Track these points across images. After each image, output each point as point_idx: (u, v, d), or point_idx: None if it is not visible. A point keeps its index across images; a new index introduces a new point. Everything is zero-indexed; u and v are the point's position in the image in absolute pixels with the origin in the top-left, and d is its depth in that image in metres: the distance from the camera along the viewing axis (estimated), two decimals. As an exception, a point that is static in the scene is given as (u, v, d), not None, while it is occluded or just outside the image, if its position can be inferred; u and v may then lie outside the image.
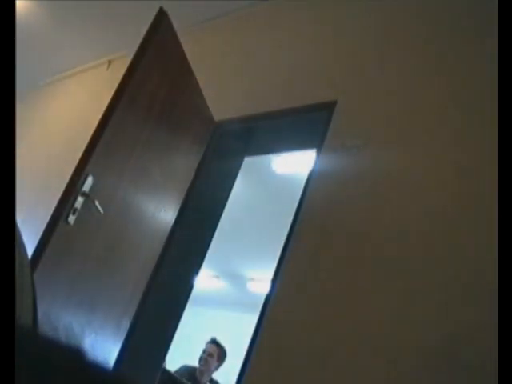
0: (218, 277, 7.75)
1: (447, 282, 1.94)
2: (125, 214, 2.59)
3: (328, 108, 2.70)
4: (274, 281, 2.39)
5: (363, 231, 2.26)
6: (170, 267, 2.99)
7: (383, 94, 2.57)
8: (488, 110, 2.10)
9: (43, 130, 5.06)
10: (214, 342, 4.37)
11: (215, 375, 4.42)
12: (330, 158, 2.55)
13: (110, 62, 4.76)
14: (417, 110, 2.41)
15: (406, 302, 1.99)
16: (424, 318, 1.92)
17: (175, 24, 2.71)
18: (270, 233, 4.50)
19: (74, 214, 2.21)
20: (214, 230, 3.36)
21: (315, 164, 2.61)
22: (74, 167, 2.28)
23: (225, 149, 3.32)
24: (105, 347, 2.62)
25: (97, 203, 2.30)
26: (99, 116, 2.38)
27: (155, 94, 2.67)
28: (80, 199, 2.23)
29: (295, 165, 4.34)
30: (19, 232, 0.54)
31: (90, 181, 2.26)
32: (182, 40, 2.82)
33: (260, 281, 6.98)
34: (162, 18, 2.63)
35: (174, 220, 2.99)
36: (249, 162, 3.55)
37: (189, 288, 3.19)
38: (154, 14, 2.63)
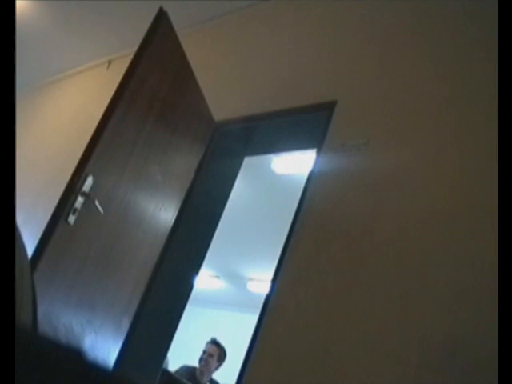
0: (218, 277, 7.75)
1: (447, 281, 1.94)
2: (125, 213, 2.59)
3: (328, 108, 2.70)
4: (273, 281, 2.39)
5: (363, 231, 2.26)
6: (170, 267, 2.99)
7: (383, 94, 2.57)
8: (488, 109, 2.10)
9: (43, 130, 5.06)
10: (214, 342, 4.38)
11: (215, 375, 4.43)
12: (330, 157, 2.55)
13: (109, 62, 4.76)
14: (417, 110, 2.41)
15: (405, 302, 1.99)
16: (424, 317, 1.93)
17: (175, 24, 2.71)
18: (270, 233, 4.50)
19: (73, 213, 2.21)
20: (214, 230, 3.36)
21: (315, 164, 2.61)
22: (74, 167, 2.28)
23: (225, 149, 3.32)
24: (105, 347, 2.62)
25: (97, 203, 2.30)
26: (99, 116, 2.38)
27: (155, 93, 2.67)
28: (80, 199, 2.23)
29: (295, 165, 4.34)
30: (19, 232, 0.54)
31: (89, 181, 2.26)
32: (181, 40, 2.82)
33: (260, 281, 6.98)
34: (162, 17, 2.63)
35: (173, 220, 2.99)
36: (249, 162, 3.55)
37: (189, 288, 3.19)
38: (154, 14, 2.63)
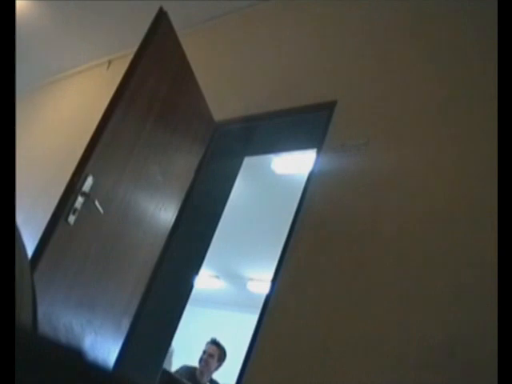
0: (217, 277, 7.75)
1: (447, 281, 1.94)
2: (125, 213, 2.59)
3: (328, 108, 2.70)
4: (273, 281, 2.39)
5: (363, 231, 2.26)
6: (170, 267, 2.99)
7: (383, 94, 2.57)
8: (488, 109, 2.10)
9: (43, 130, 5.06)
10: (214, 342, 4.38)
11: (215, 375, 4.43)
12: (330, 157, 2.55)
13: (109, 62, 4.76)
14: (417, 110, 2.41)
15: (405, 302, 1.99)
16: (424, 317, 1.93)
17: (175, 24, 2.71)
18: (270, 233, 4.50)
19: (74, 213, 2.21)
20: (214, 230, 3.36)
21: (315, 164, 2.61)
22: (74, 167, 2.28)
23: (225, 149, 3.32)
24: (105, 347, 2.62)
25: (97, 203, 2.30)
26: (99, 116, 2.38)
27: (155, 94, 2.67)
28: (80, 199, 2.23)
29: (295, 165, 4.34)
30: (19, 232, 0.54)
31: (89, 181, 2.26)
32: (181, 40, 2.82)
33: (260, 281, 6.98)
34: (162, 17, 2.63)
35: (173, 220, 2.99)
36: (249, 162, 3.55)
37: (189, 288, 3.19)
38: (154, 14, 2.63)
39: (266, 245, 4.85)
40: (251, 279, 7.37)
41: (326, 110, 2.72)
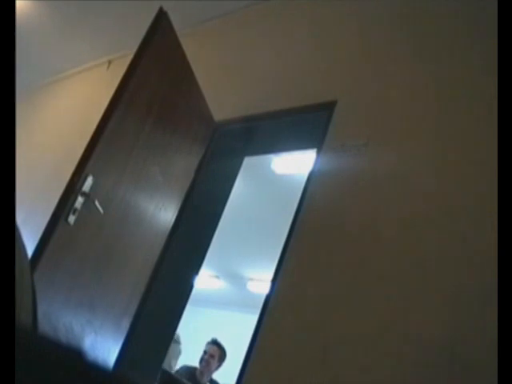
0: (217, 277, 7.75)
1: (447, 281, 1.94)
2: (125, 213, 2.59)
3: (328, 108, 2.70)
4: (273, 281, 2.39)
5: (363, 231, 2.26)
6: (170, 267, 2.99)
7: (383, 94, 2.57)
8: (488, 109, 2.10)
9: (43, 130, 5.06)
10: (214, 342, 4.38)
11: (215, 375, 4.43)
12: (330, 157, 2.55)
13: (109, 62, 4.76)
14: (417, 110, 2.41)
15: (405, 302, 1.99)
16: (424, 317, 1.92)
17: (175, 24, 2.71)
18: (270, 233, 4.50)
19: (73, 213, 2.21)
20: (214, 230, 3.36)
21: (315, 164, 2.61)
22: (74, 167, 2.28)
23: (225, 149, 3.32)
24: (105, 347, 2.62)
25: (97, 203, 2.30)
26: (99, 116, 2.38)
27: (155, 94, 2.67)
28: (80, 199, 2.23)
29: (295, 165, 4.34)
30: (19, 232, 0.54)
31: (89, 181, 2.26)
32: (181, 40, 2.82)
33: (260, 281, 6.99)
34: (162, 17, 2.63)
35: (173, 220, 2.99)
36: (249, 162, 3.55)
37: (189, 288, 3.19)
38: (154, 14, 2.63)
39: (265, 245, 4.85)
40: (251, 279, 7.37)
41: (326, 110, 2.72)
